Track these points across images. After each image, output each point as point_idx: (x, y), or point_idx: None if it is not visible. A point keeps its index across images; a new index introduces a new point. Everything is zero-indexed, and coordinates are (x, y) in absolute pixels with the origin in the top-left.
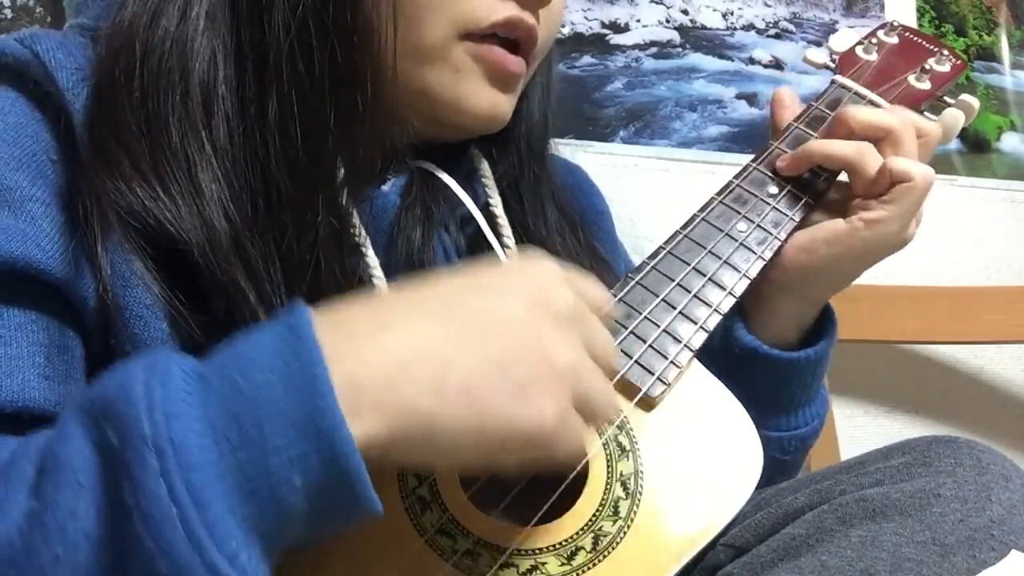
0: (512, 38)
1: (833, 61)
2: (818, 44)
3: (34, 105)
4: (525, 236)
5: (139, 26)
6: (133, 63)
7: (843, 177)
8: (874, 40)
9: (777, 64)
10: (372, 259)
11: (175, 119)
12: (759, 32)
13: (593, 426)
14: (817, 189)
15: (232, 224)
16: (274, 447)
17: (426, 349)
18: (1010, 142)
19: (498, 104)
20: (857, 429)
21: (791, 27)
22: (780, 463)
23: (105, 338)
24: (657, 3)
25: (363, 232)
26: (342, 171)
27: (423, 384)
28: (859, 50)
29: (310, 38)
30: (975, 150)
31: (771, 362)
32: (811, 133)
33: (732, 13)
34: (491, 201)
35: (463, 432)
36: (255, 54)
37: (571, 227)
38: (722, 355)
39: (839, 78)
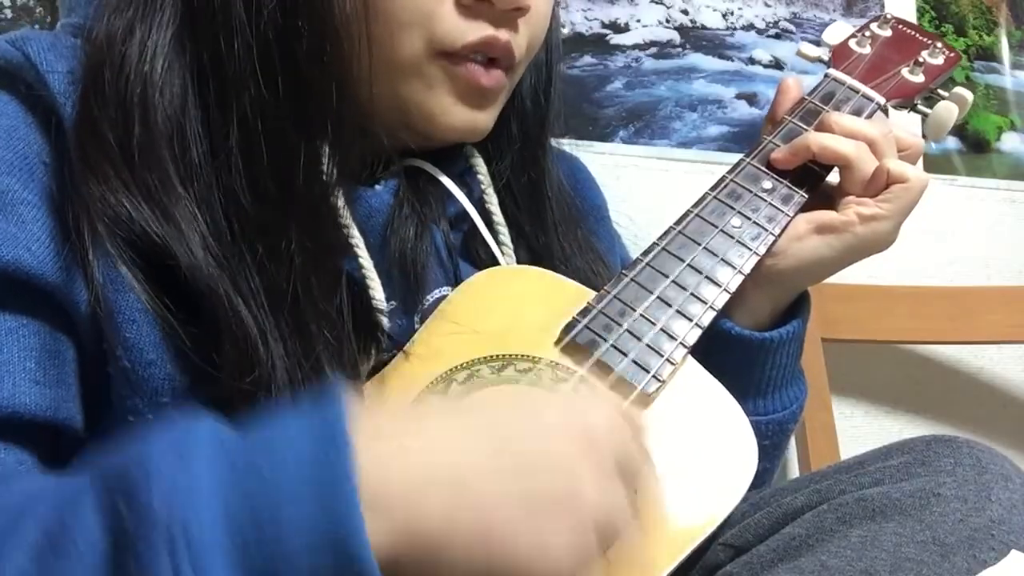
0: (489, 55)
1: (827, 54)
2: (817, 44)
3: (26, 108)
4: (520, 234)
5: (112, 46)
6: (105, 83)
7: (833, 177)
8: (868, 33)
9: (777, 64)
10: (365, 260)
11: (147, 139)
12: (759, 32)
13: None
14: (811, 185)
15: (210, 241)
16: (289, 550)
17: (448, 466)
18: (1010, 142)
19: (473, 120)
20: (857, 429)
21: (791, 27)
22: (760, 448)
23: (98, 342)
24: (657, 3)
25: (355, 232)
26: (335, 173)
27: (438, 504)
28: (852, 43)
29: (272, 59)
30: (975, 150)
31: (744, 343)
32: (804, 127)
33: (732, 13)
34: (486, 197)
35: (469, 561)
36: (216, 78)
37: (571, 223)
38: (712, 349)
39: (833, 72)
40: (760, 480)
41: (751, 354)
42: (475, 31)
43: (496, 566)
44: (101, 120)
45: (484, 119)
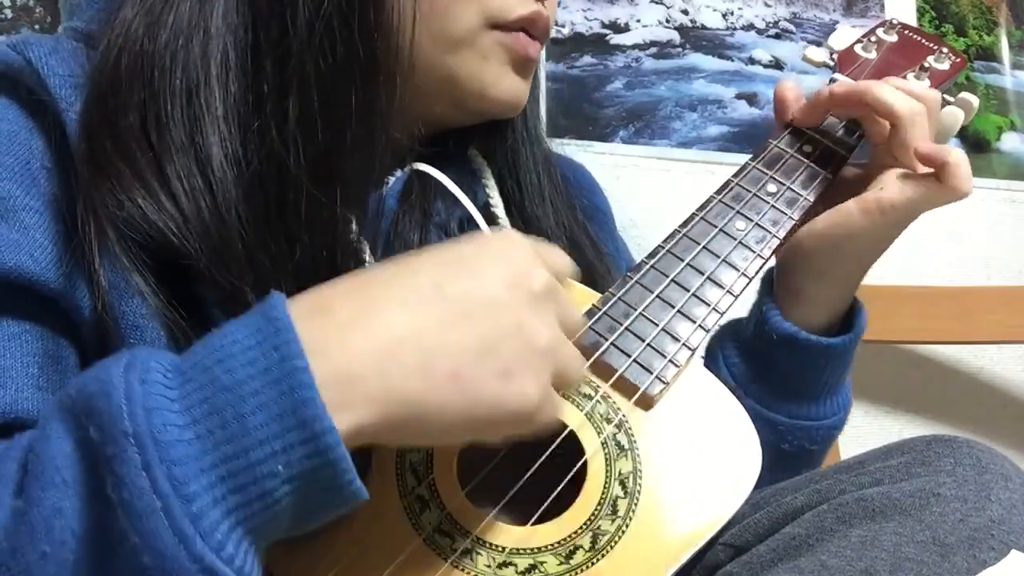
0: (531, 31)
1: (832, 59)
2: (818, 44)
3: (27, 113)
4: (526, 229)
5: (139, 30)
6: (135, 68)
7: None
8: (873, 38)
9: (777, 64)
10: (371, 264)
11: (184, 123)
12: (759, 32)
13: (566, 394)
14: (816, 188)
15: (245, 230)
16: (257, 440)
17: (411, 335)
18: (1010, 142)
19: (520, 90)
20: (857, 429)
21: (791, 27)
22: (808, 453)
23: (101, 348)
24: (657, 3)
25: (360, 237)
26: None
27: (411, 371)
28: (858, 48)
29: (333, 35)
30: (975, 150)
31: (810, 348)
32: (808, 131)
33: (732, 13)
34: (491, 201)
35: (453, 415)
36: (275, 53)
37: (576, 224)
38: (756, 341)
39: (839, 76)
40: None
41: (815, 359)
42: (524, 5)
43: (474, 412)
44: (123, 114)
45: (525, 89)
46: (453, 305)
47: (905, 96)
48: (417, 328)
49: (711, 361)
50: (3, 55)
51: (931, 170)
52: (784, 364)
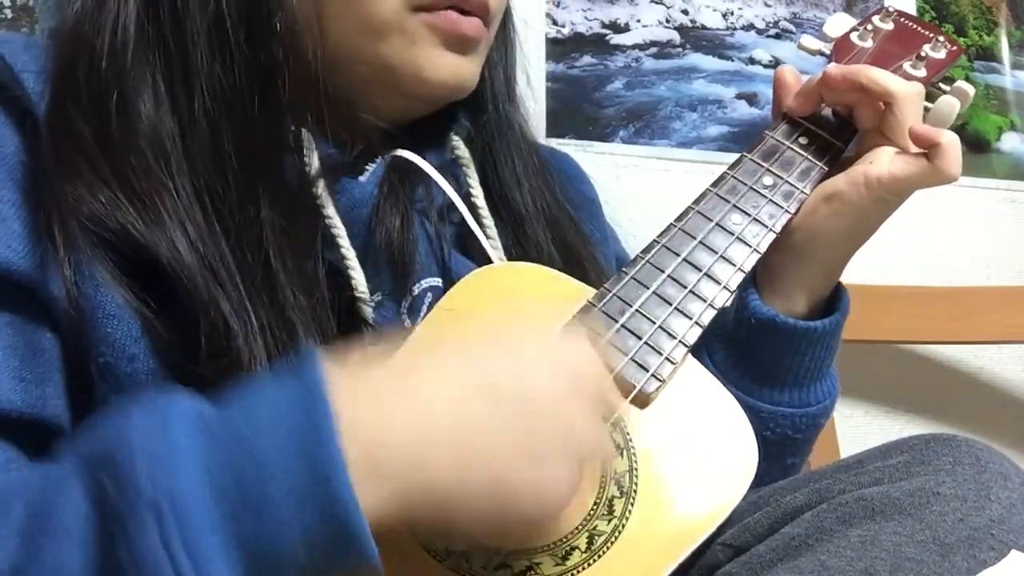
0: (462, 7)
1: (827, 48)
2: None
3: (3, 108)
4: (504, 213)
5: (80, 34)
6: (78, 72)
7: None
8: (869, 27)
9: (777, 64)
10: (348, 251)
11: (121, 126)
12: (759, 32)
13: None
14: (812, 180)
15: (188, 228)
16: (277, 513)
17: (449, 420)
18: (1010, 142)
19: (459, 69)
20: (857, 429)
21: (791, 27)
22: (792, 441)
23: (79, 339)
24: (657, 3)
25: (338, 223)
26: (316, 162)
27: (444, 457)
28: (854, 36)
29: (227, 36)
30: (975, 150)
31: (788, 332)
32: (804, 122)
33: (732, 13)
34: (472, 190)
35: (480, 509)
36: (179, 57)
37: (556, 205)
38: (737, 328)
39: (834, 66)
40: (786, 475)
41: (795, 344)
42: None
43: (505, 512)
44: (75, 115)
45: (469, 68)
46: (499, 400)
47: (899, 78)
48: (457, 419)
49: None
50: None
51: (921, 151)
52: (763, 349)
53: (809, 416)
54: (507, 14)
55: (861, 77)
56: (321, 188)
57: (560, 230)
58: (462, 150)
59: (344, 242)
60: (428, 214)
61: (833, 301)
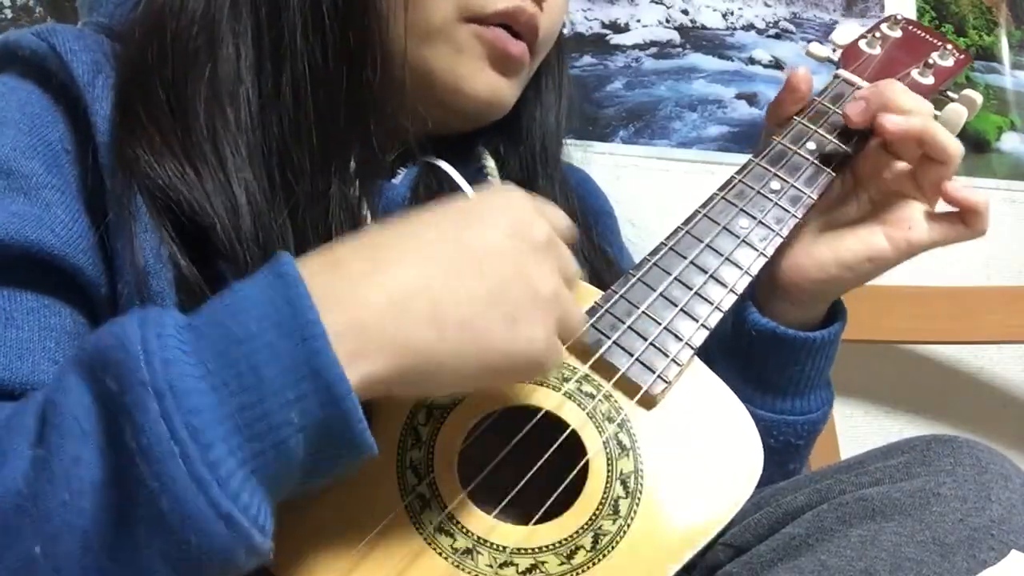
0: (514, 27)
1: (835, 54)
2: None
3: (51, 96)
4: None
5: (169, 9)
6: (164, 45)
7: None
8: (877, 34)
9: (777, 64)
10: None
11: (202, 99)
12: (759, 32)
13: (570, 395)
14: (820, 186)
15: (253, 201)
16: (272, 390)
17: (422, 286)
18: (1010, 142)
19: (498, 88)
20: (857, 429)
21: (791, 27)
22: (794, 448)
23: None
24: (657, 3)
25: (372, 224)
26: (353, 162)
27: (423, 321)
28: (862, 44)
29: (322, 18)
30: (975, 150)
31: (789, 342)
32: (812, 127)
33: (732, 13)
34: None
35: (464, 363)
36: (271, 34)
37: (584, 231)
38: (736, 339)
39: (843, 72)
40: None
41: (795, 354)
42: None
43: (484, 358)
44: (153, 86)
45: (508, 90)
46: (460, 256)
47: (956, 140)
48: (426, 279)
49: None
50: (29, 42)
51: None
52: (765, 360)
53: (811, 423)
54: (562, 61)
55: (925, 135)
56: (358, 188)
57: (598, 276)
58: (489, 162)
59: None
60: None
61: (832, 308)
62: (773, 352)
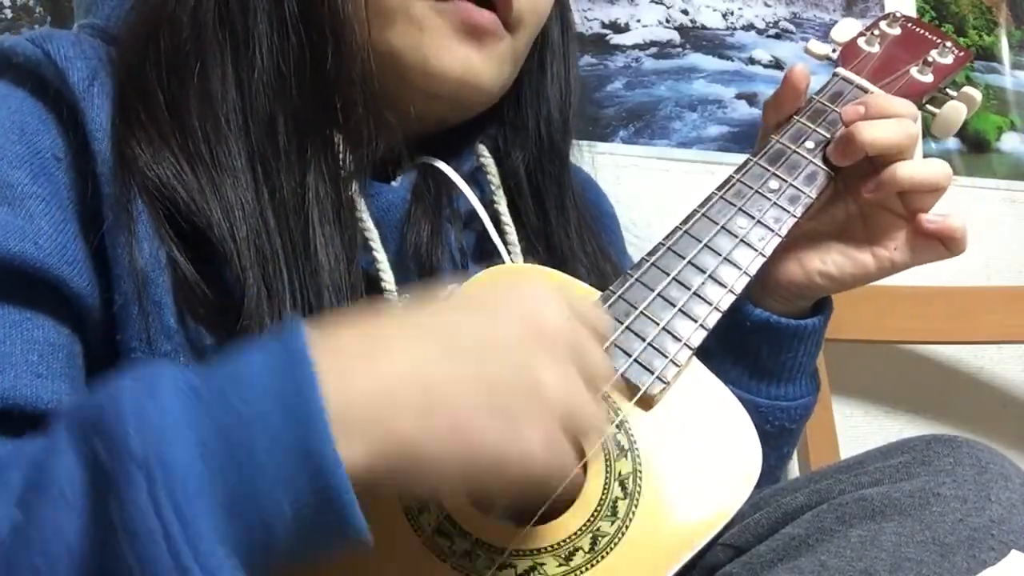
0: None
1: (834, 52)
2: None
3: (42, 104)
4: (542, 234)
5: (158, 16)
6: (157, 49)
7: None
8: (876, 31)
9: (777, 64)
10: (380, 254)
11: (194, 102)
12: (759, 32)
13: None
14: (818, 185)
15: (244, 201)
16: (263, 470)
17: (413, 374)
18: (1010, 142)
19: (470, 63)
20: (857, 429)
21: (791, 27)
22: (788, 432)
23: (107, 334)
24: (657, 3)
25: (370, 225)
26: (348, 159)
27: (408, 411)
28: (861, 41)
29: (284, 16)
30: (975, 150)
31: (782, 331)
32: (810, 126)
33: (732, 13)
34: (495, 199)
35: (449, 461)
36: (242, 37)
37: (590, 229)
38: (730, 330)
39: (841, 71)
40: (783, 464)
41: (787, 341)
42: None
43: (472, 462)
44: (152, 87)
45: (483, 64)
46: (461, 348)
47: (939, 169)
48: (419, 367)
49: None
50: (24, 49)
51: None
52: (760, 349)
53: (803, 407)
54: (569, 42)
55: (914, 180)
56: (354, 188)
57: (600, 268)
58: (487, 158)
59: (376, 244)
60: (452, 221)
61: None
62: (767, 340)
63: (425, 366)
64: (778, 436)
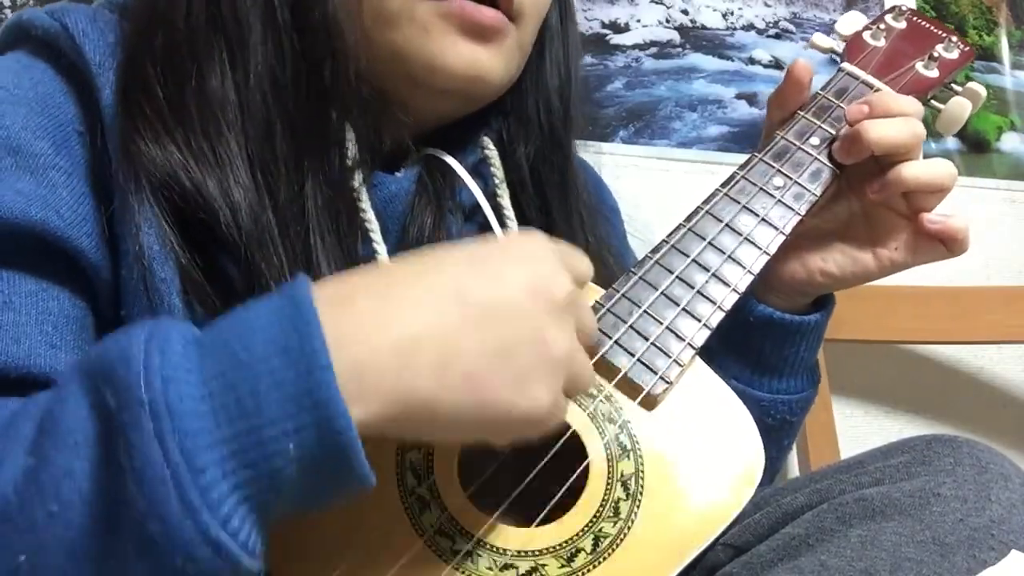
0: None
1: (839, 45)
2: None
3: (63, 77)
4: (544, 224)
5: (156, 10)
6: (156, 41)
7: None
8: (882, 25)
9: (777, 64)
10: (380, 244)
11: (194, 98)
12: (759, 32)
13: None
14: (823, 182)
15: (246, 198)
16: (270, 418)
17: (428, 333)
18: (1010, 142)
19: (477, 60)
20: (857, 429)
21: (791, 27)
22: (789, 424)
23: (116, 310)
24: (657, 3)
25: (371, 217)
26: (353, 150)
27: (425, 369)
28: (867, 35)
29: (276, 19)
30: (975, 150)
31: (786, 327)
32: (815, 122)
33: (732, 13)
34: (498, 191)
35: (462, 416)
36: (236, 35)
37: (593, 219)
38: (734, 326)
39: (847, 66)
40: (782, 456)
41: (789, 337)
42: None
43: (485, 414)
44: (152, 81)
45: (490, 60)
46: (472, 307)
47: (944, 169)
48: (434, 327)
49: None
50: (41, 22)
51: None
52: (763, 344)
53: (804, 400)
54: (569, 32)
55: (917, 182)
56: (358, 179)
57: (608, 270)
58: (491, 149)
59: (376, 236)
60: (454, 213)
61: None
62: (770, 336)
63: (438, 325)
64: (779, 429)
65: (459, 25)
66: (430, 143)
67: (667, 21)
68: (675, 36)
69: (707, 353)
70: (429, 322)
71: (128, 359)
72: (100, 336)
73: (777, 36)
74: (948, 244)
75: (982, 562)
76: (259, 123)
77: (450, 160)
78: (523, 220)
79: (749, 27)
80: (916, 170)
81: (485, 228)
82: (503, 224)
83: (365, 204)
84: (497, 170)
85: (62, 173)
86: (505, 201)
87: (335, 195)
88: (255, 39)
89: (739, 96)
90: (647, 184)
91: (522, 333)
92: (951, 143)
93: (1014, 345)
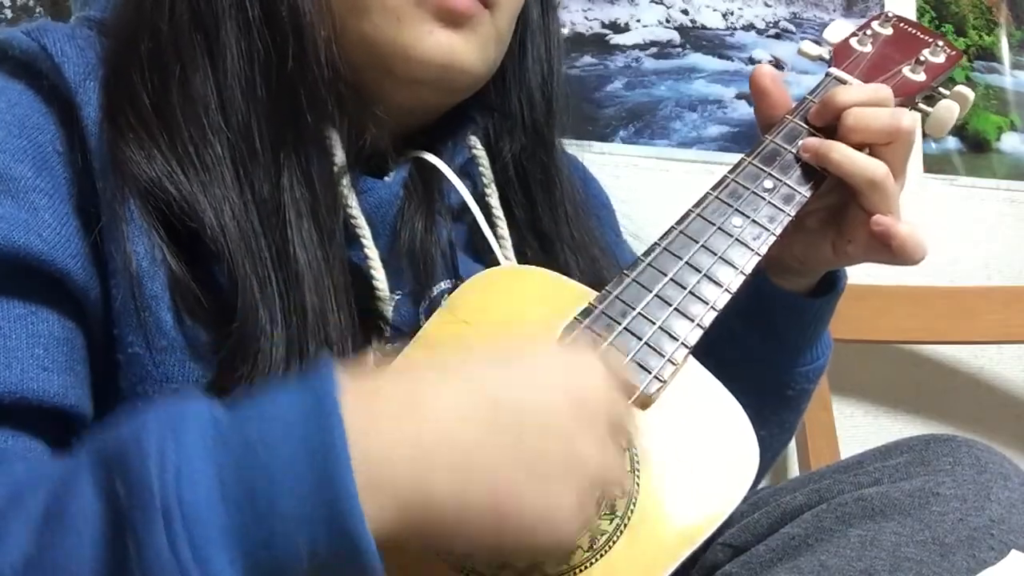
0: None
1: (828, 53)
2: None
3: (41, 98)
4: (530, 220)
5: (142, 16)
6: (142, 50)
7: None
8: (869, 31)
9: (777, 64)
10: (371, 249)
11: (179, 104)
12: (759, 32)
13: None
14: (813, 183)
15: (231, 203)
16: (284, 526)
17: (453, 440)
18: (1010, 142)
19: (451, 47)
20: (857, 429)
21: (791, 27)
22: (806, 392)
23: (107, 329)
24: (657, 3)
25: (362, 222)
26: (341, 156)
27: (445, 476)
28: (854, 41)
29: (247, 17)
30: (975, 150)
31: (805, 307)
32: (804, 126)
33: (732, 13)
34: (487, 192)
35: (480, 530)
36: (213, 36)
37: (581, 214)
38: (754, 307)
39: (834, 70)
40: (798, 419)
41: (808, 315)
42: None
43: (506, 534)
44: (138, 89)
45: (465, 46)
46: (505, 420)
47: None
48: (459, 433)
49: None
50: (19, 42)
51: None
52: (784, 323)
53: (819, 368)
54: (550, 23)
55: (864, 176)
56: (345, 184)
57: (588, 253)
58: (479, 149)
59: (368, 241)
60: (443, 215)
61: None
62: (792, 316)
63: (465, 430)
64: (798, 398)
65: (433, 12)
66: (416, 144)
67: (667, 21)
68: (675, 36)
69: (729, 336)
70: (454, 425)
71: (143, 451)
72: (92, 356)
73: (777, 36)
74: (893, 248)
75: (982, 562)
76: (239, 122)
77: (438, 162)
78: (512, 220)
79: (749, 27)
80: (841, 155)
81: (474, 229)
82: (492, 225)
83: (355, 210)
84: (485, 170)
85: (43, 195)
86: (494, 201)
87: (316, 196)
88: (229, 35)
89: (739, 96)
90: (647, 184)
91: (552, 445)
92: (951, 143)
93: (1014, 345)
